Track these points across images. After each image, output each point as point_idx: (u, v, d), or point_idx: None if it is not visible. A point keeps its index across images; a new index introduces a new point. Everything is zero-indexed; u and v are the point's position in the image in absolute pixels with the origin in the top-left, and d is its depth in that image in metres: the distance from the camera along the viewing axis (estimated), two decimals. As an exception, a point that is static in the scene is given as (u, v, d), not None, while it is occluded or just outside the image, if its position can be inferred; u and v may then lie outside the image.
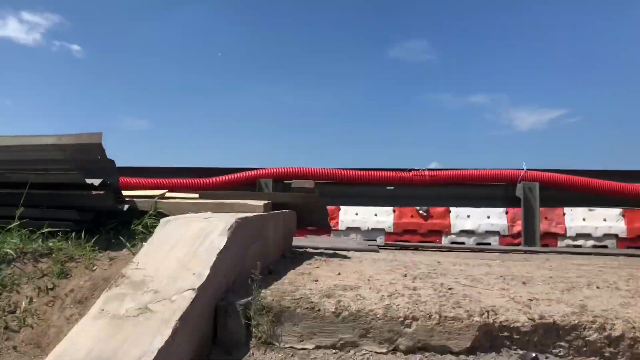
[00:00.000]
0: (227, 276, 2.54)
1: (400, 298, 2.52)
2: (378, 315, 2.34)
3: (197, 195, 3.58)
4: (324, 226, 3.99)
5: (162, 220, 2.77)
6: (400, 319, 2.33)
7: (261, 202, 3.27)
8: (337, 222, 16.11)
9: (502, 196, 6.96)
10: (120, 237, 3.09)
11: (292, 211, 3.76)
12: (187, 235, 2.60)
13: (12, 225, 2.99)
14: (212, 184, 6.55)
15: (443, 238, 16.94)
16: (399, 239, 16.59)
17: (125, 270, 2.37)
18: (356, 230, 16.75)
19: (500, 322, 2.32)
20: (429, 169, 6.69)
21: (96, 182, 3.11)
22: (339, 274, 3.06)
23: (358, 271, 3.20)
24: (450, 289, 2.77)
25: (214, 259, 2.39)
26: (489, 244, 17.04)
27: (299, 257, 3.72)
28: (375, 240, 16.14)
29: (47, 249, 2.92)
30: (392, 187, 6.79)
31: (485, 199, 7.07)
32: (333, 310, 2.36)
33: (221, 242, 2.52)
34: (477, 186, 6.91)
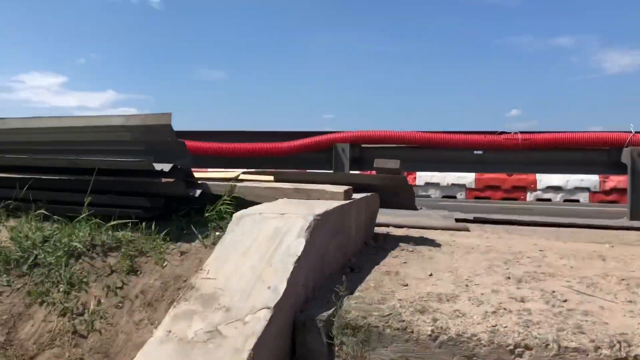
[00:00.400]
0: (305, 284, 2.26)
1: (507, 316, 2.15)
2: (483, 342, 1.98)
3: (272, 178, 3.30)
4: (409, 208, 3.62)
5: (235, 216, 2.50)
6: (510, 347, 1.96)
7: (341, 189, 2.94)
8: (415, 177, 15.67)
9: (605, 162, 6.20)
10: (192, 227, 2.87)
11: (375, 194, 3.41)
12: (261, 236, 2.32)
13: (82, 217, 2.84)
14: (286, 149, 6.28)
15: (528, 194, 16.14)
16: (481, 195, 15.97)
17: (195, 280, 2.13)
18: (435, 186, 16.29)
19: (635, 356, 1.91)
20: (521, 132, 6.06)
21: (166, 167, 2.88)
22: (430, 274, 2.71)
23: (452, 269, 2.83)
24: (565, 300, 2.35)
25: (291, 268, 2.11)
26: (577, 200, 16.06)
27: (382, 243, 3.39)
28: (455, 197, 15.60)
29: (116, 241, 2.76)
30: (481, 152, 6.23)
31: (584, 164, 6.34)
32: (429, 332, 2.02)
33: (299, 246, 2.22)
34: (575, 150, 6.21)
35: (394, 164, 3.26)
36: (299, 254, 2.18)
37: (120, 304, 2.45)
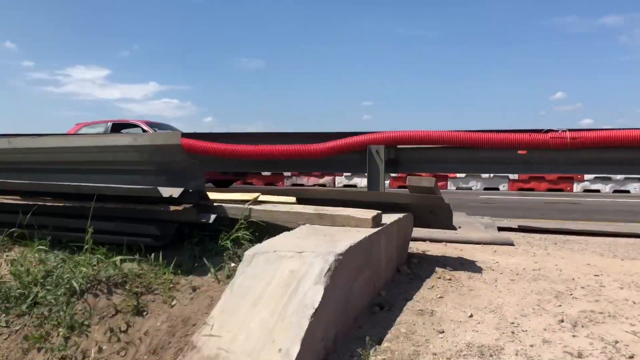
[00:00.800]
0: (325, 337, 1.97)
1: (562, 381, 1.81)
2: (534, 419, 1.66)
3: (293, 200, 3.02)
4: (446, 228, 3.27)
5: (247, 254, 2.23)
6: None
7: (369, 215, 2.63)
8: (455, 170, 15.13)
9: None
10: (205, 259, 2.63)
11: (409, 215, 3.08)
12: (275, 281, 2.04)
13: (86, 247, 2.62)
14: (317, 151, 5.97)
15: (575, 185, 15.42)
16: (524, 186, 15.36)
17: (197, 338, 1.87)
18: (476, 177, 15.69)
19: None
20: (570, 130, 5.57)
21: (176, 193, 2.63)
22: (470, 315, 2.38)
23: (495, 306, 2.50)
24: (631, 357, 1.99)
25: (306, 325, 1.82)
26: (628, 191, 15.24)
27: (416, 269, 3.07)
28: (497, 189, 15.01)
29: (122, 275, 2.53)
30: (525, 152, 5.76)
31: (642, 163, 5.79)
32: (469, 405, 1.71)
33: (316, 295, 1.93)
34: (632, 149, 5.66)
35: (428, 182, 2.93)
36: (317, 305, 1.89)
37: (123, 351, 2.23)
